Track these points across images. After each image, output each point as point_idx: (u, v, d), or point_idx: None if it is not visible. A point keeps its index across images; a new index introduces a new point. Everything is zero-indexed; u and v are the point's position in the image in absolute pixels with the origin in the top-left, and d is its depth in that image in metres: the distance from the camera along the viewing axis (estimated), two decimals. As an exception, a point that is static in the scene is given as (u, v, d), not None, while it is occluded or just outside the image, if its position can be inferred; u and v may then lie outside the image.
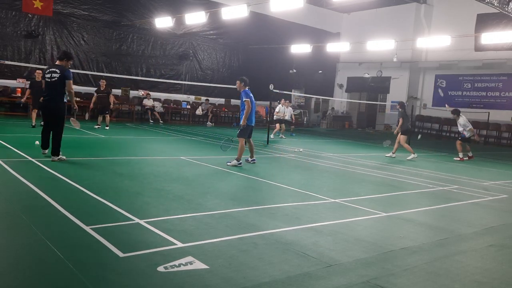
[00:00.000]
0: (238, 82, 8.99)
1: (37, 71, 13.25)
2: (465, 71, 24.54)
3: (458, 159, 13.20)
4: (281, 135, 17.38)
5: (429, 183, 8.41)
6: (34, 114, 12.84)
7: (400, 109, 12.77)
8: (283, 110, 17.73)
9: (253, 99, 8.99)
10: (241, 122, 8.84)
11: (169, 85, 21.85)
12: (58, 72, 7.72)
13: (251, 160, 9.29)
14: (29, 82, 13.72)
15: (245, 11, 14.75)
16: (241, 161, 8.81)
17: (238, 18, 16.41)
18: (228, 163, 8.75)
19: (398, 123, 12.74)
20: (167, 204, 5.28)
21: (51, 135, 7.90)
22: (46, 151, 8.06)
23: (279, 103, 18.07)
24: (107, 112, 14.70)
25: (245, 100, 8.75)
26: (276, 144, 14.26)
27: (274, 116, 17.51)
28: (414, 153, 12.35)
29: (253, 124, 9.09)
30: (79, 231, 4.02)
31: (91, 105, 14.88)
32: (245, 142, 9.07)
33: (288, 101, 18.49)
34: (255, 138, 15.65)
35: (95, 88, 15.17)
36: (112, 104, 15.15)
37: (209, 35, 23.41)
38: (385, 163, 11.29)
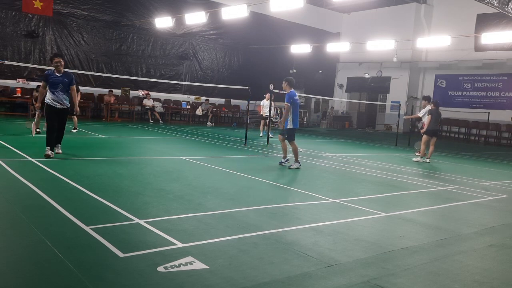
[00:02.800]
0: (284, 82, 9.10)
1: None
2: (465, 71, 24.55)
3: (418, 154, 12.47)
4: (261, 133, 17.10)
5: (429, 183, 8.41)
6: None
7: (433, 107, 12.20)
8: (266, 105, 16.22)
9: (298, 102, 9.12)
10: (281, 125, 9.13)
11: (169, 85, 21.82)
12: None
13: (285, 161, 9.28)
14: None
15: (245, 11, 14.76)
16: (299, 162, 9.02)
17: (238, 18, 16.40)
18: (291, 167, 8.94)
19: (427, 120, 12.06)
20: (167, 204, 5.28)
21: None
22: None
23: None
24: (74, 113, 13.53)
25: (285, 104, 8.90)
26: (276, 144, 14.24)
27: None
28: (421, 158, 11.95)
29: (297, 127, 9.18)
30: (79, 231, 4.02)
31: None
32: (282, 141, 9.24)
33: (269, 94, 15.42)
34: (255, 138, 15.79)
35: (95, 89, 14.98)
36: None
37: (209, 35, 23.40)
38: (385, 163, 11.29)
